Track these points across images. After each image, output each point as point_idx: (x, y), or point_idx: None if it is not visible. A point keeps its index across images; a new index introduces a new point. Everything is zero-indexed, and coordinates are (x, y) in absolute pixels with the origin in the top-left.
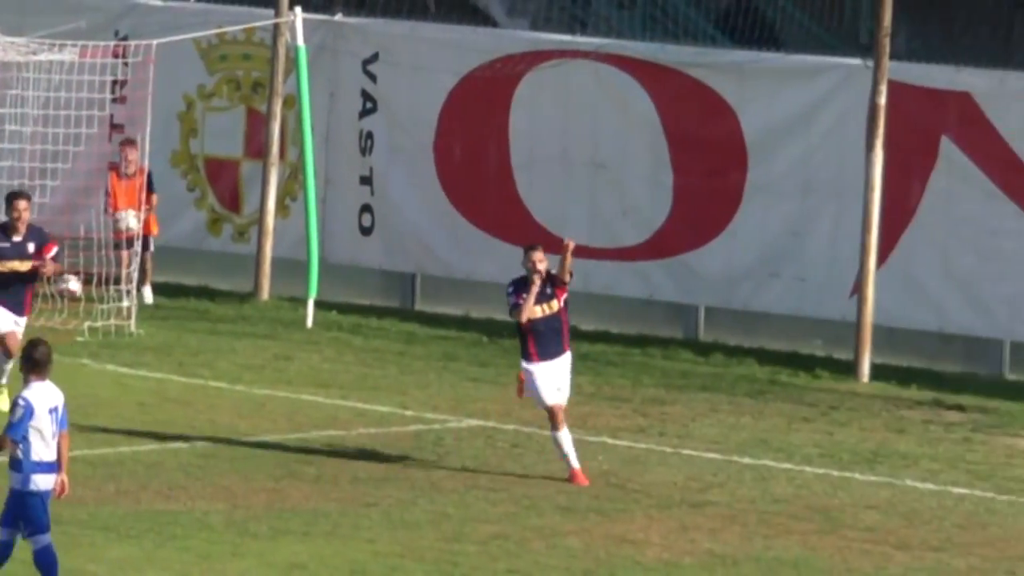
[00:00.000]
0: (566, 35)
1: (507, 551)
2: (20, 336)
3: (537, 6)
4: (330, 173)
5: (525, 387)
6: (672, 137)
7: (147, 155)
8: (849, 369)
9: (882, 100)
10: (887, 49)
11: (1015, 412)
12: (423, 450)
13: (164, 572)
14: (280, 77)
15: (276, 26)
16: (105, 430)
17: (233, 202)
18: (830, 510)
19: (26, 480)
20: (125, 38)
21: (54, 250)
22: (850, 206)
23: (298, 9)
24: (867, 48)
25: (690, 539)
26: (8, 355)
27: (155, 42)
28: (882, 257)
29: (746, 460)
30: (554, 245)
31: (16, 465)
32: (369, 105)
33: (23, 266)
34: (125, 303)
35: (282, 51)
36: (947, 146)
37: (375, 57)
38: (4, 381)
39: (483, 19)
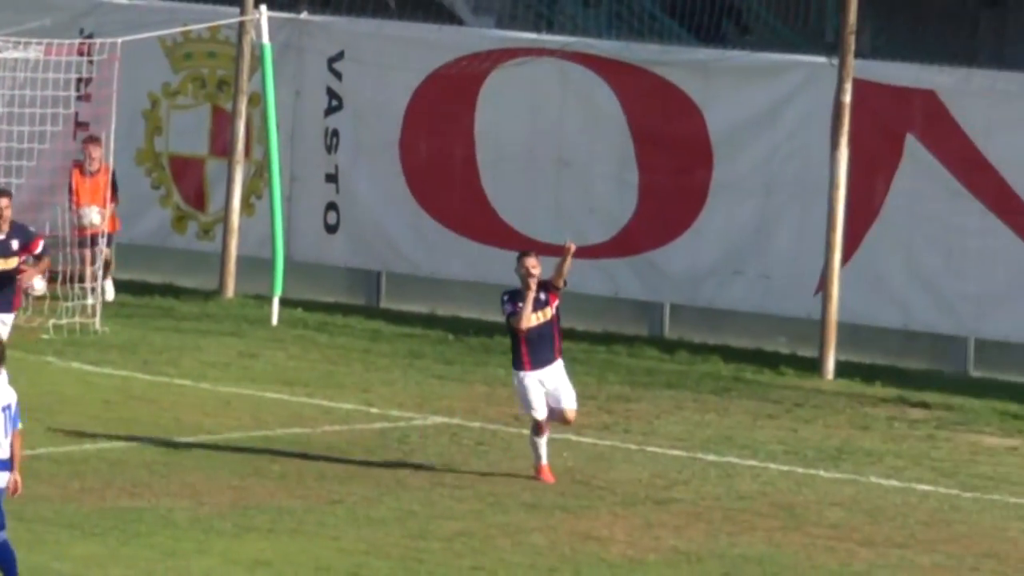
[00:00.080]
0: (532, 33)
1: (472, 548)
2: (5, 334)
3: (503, 4)
4: (295, 171)
5: (515, 395)
6: (637, 135)
7: (112, 153)
8: (814, 366)
9: (847, 98)
10: (852, 47)
11: (979, 409)
12: (388, 448)
13: (129, 570)
14: (245, 75)
15: (241, 24)
16: (70, 428)
17: (198, 200)
18: (795, 507)
19: None
20: (90, 36)
21: (41, 244)
22: (815, 204)
23: (263, 7)
24: (832, 46)
25: (655, 536)
26: None
27: (120, 40)
28: (847, 255)
29: (711, 457)
30: (521, 243)
31: None
32: (335, 103)
33: (8, 264)
34: (90, 301)
35: (247, 49)
36: (912, 144)
37: (340, 55)
38: None
39: (449, 17)
